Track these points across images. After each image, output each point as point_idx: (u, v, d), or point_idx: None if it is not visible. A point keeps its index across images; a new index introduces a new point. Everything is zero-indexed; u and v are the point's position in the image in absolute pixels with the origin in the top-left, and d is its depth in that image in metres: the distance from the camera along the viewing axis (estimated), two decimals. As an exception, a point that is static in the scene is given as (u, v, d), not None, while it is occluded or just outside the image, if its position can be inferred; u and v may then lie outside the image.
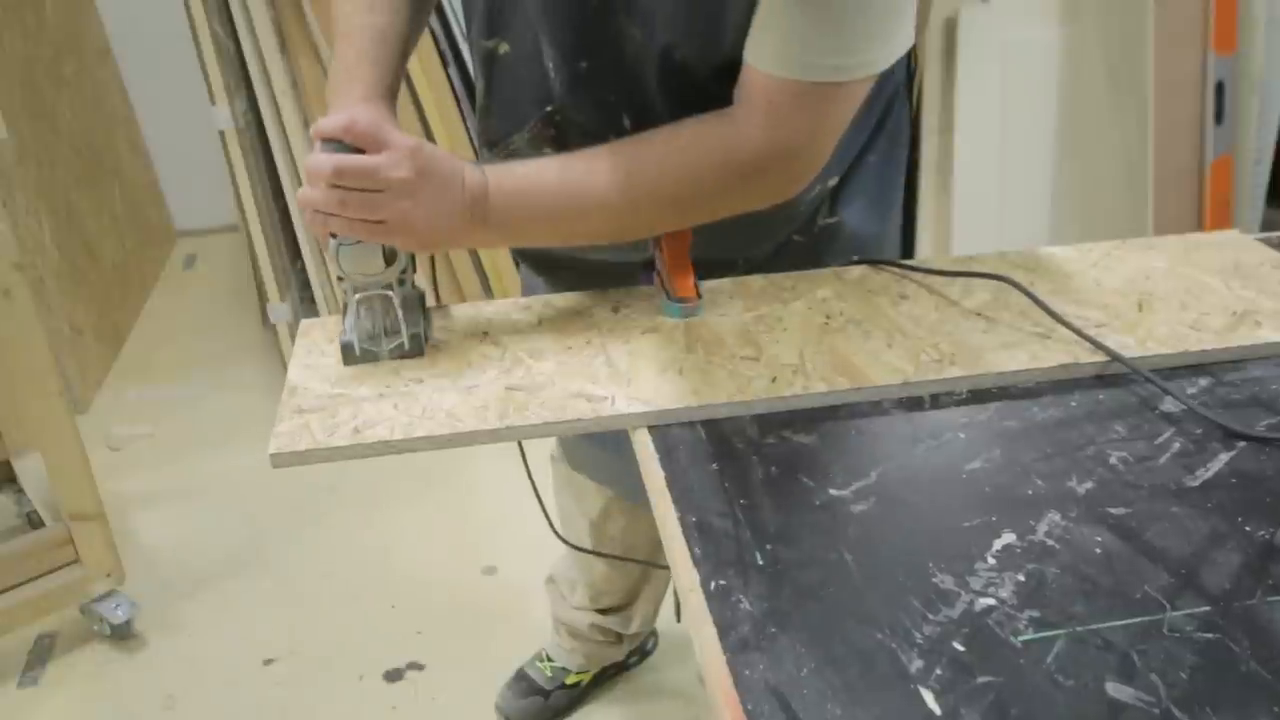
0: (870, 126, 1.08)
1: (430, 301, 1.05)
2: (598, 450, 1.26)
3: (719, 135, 0.90)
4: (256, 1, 2.32)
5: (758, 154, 0.90)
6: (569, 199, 0.91)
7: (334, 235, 0.89)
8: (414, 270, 0.96)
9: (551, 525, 1.29)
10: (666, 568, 1.52)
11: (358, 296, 0.93)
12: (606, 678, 1.76)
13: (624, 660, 1.75)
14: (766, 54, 0.86)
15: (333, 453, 0.85)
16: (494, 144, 1.04)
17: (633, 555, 1.51)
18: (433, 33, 2.44)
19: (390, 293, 0.93)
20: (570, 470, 1.43)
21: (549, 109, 0.96)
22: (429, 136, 2.44)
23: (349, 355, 0.94)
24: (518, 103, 0.98)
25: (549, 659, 1.71)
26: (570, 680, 1.70)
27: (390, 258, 0.91)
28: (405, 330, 0.94)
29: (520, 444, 1.10)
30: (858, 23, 0.84)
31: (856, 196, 1.10)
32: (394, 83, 0.99)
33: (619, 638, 1.66)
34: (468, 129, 2.46)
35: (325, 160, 0.84)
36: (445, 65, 2.43)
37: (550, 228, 0.95)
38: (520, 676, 1.72)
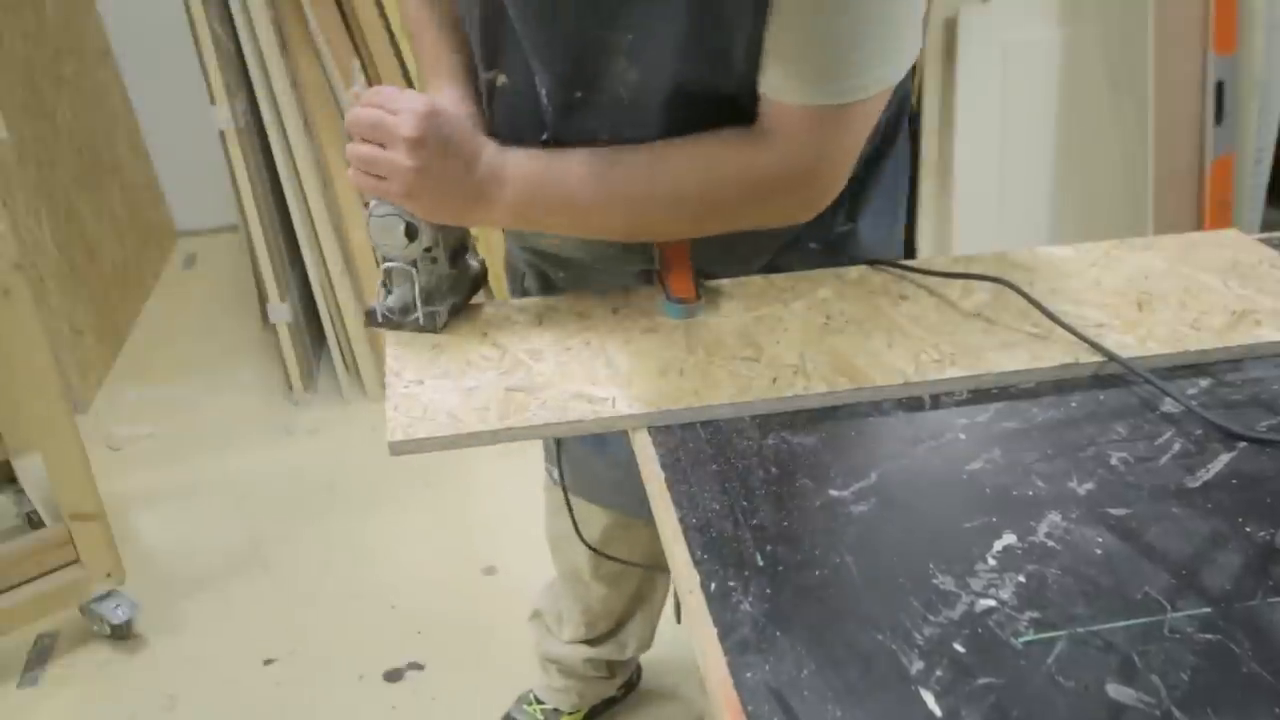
0: (884, 129, 1.07)
1: None
2: (600, 467, 1.24)
3: (738, 152, 0.91)
4: (256, 1, 2.31)
5: (773, 175, 0.91)
6: (589, 191, 0.92)
7: (366, 205, 0.93)
8: (466, 250, 1.02)
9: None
10: (666, 579, 1.52)
11: (384, 267, 0.97)
12: (597, 715, 1.71)
13: (614, 695, 1.71)
14: (776, 81, 0.87)
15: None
16: None
17: (631, 571, 1.49)
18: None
19: (413, 269, 0.96)
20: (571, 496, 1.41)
21: (544, 138, 0.96)
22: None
23: (370, 320, 0.99)
24: (519, 133, 0.97)
25: (538, 701, 1.66)
26: None
27: (411, 234, 0.94)
28: (420, 308, 0.98)
29: (566, 497, 1.16)
30: (864, 43, 0.84)
31: (873, 202, 1.10)
32: (467, 61, 1.03)
33: (611, 671, 1.63)
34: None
35: (349, 114, 0.89)
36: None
37: (567, 218, 0.95)
38: None
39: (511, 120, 0.99)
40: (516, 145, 0.96)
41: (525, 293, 1.19)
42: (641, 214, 0.94)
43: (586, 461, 1.26)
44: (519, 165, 0.93)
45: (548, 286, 1.17)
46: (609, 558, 1.37)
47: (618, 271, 1.09)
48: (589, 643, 1.56)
